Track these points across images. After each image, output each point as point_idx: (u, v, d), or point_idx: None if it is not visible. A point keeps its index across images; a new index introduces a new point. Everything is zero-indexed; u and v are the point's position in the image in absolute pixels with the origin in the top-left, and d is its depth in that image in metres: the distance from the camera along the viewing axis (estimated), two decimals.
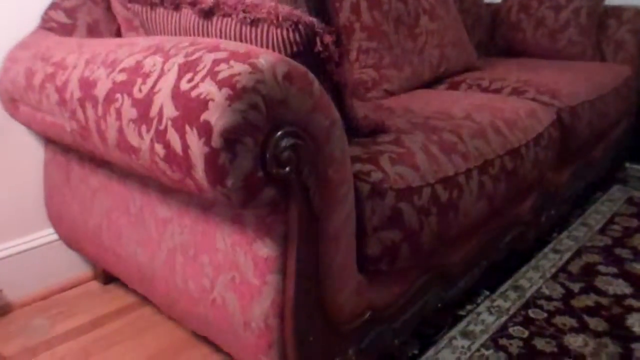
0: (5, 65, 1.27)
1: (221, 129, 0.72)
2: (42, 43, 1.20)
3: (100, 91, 0.91)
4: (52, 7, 1.36)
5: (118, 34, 1.32)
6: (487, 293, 1.47)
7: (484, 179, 1.17)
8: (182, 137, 0.76)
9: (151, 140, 0.81)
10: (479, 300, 1.44)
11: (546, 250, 1.67)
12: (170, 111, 0.77)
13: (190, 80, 0.77)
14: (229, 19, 0.94)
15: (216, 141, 0.72)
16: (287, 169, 0.80)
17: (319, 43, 0.89)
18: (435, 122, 1.22)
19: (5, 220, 1.45)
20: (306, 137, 0.82)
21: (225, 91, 0.73)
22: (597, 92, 1.69)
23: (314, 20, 0.88)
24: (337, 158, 0.88)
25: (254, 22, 0.91)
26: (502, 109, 1.36)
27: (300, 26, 0.88)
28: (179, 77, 0.78)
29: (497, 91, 1.61)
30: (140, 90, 0.83)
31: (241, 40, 0.94)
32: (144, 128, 0.82)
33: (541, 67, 1.89)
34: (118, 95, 0.87)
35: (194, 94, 0.75)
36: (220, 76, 0.74)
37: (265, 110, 0.75)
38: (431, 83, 1.72)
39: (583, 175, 1.77)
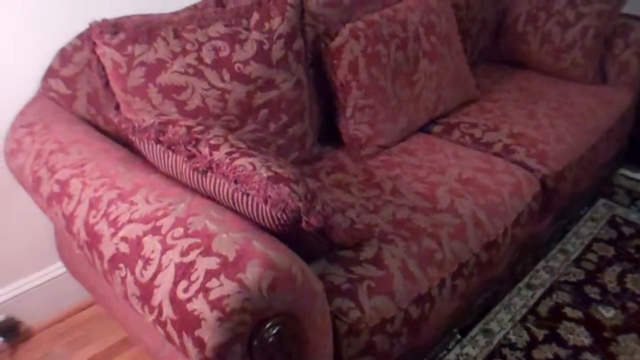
0: (10, 145, 1.34)
1: (213, 346, 0.85)
2: (45, 137, 1.27)
3: (106, 250, 1.02)
4: (51, 74, 1.40)
5: (118, 107, 1.37)
6: (459, 337, 1.65)
7: (457, 283, 1.30)
8: (180, 337, 0.89)
9: (153, 320, 0.94)
10: (450, 346, 1.62)
11: (521, 285, 1.82)
12: (169, 312, 0.89)
13: (185, 290, 0.88)
14: (223, 181, 1.02)
15: (209, 353, 0.86)
16: (271, 350, 0.94)
17: (304, 224, 0.98)
18: (419, 220, 1.32)
19: (21, 259, 1.61)
20: (289, 320, 0.95)
21: (216, 314, 0.85)
22: (588, 142, 1.75)
23: (300, 205, 0.97)
24: (318, 324, 1.02)
25: (246, 194, 1.00)
26: (486, 190, 1.45)
27: (287, 211, 0.96)
28: (176, 282, 0.89)
29: (489, 146, 1.67)
30: (142, 274, 0.95)
31: (233, 204, 1.03)
32: (146, 308, 0.95)
33: (539, 98, 1.92)
34: (122, 265, 0.98)
35: (189, 307, 0.87)
36: (212, 296, 0.86)
37: (251, 321, 0.88)
38: (427, 124, 1.77)
39: (566, 215, 1.88)
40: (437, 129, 1.78)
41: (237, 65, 1.35)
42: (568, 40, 2.03)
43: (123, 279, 0.98)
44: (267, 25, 1.39)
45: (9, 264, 1.59)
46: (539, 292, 1.80)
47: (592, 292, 1.80)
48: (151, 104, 1.31)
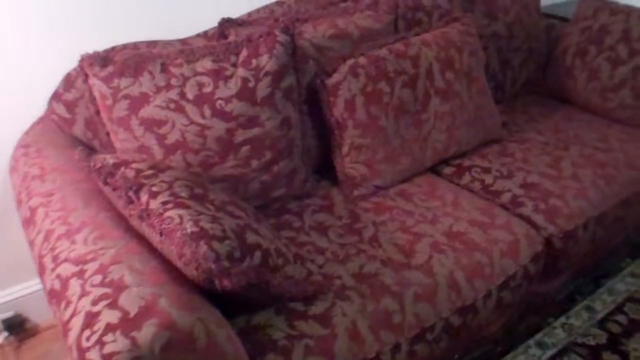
0: (12, 162, 1.47)
1: None
2: (34, 160, 1.38)
3: (47, 283, 1.09)
4: (55, 97, 1.51)
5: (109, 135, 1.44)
6: None
7: (417, 348, 1.26)
8: None
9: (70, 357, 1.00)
10: None
11: (531, 342, 1.71)
12: (75, 355, 0.95)
13: (87, 339, 0.93)
14: (153, 230, 1.05)
15: None
16: None
17: (218, 285, 1.00)
18: (386, 276, 1.29)
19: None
20: None
21: None
22: (617, 197, 1.60)
23: (212, 267, 0.98)
24: None
25: (168, 246, 1.03)
26: (474, 247, 1.38)
27: (198, 271, 0.98)
28: (82, 330, 0.94)
29: (497, 195, 1.58)
30: (63, 314, 1.01)
31: (163, 253, 1.06)
32: (66, 345, 1.01)
33: (573, 142, 1.78)
34: (54, 301, 1.05)
35: (87, 356, 0.91)
36: (105, 350, 0.90)
37: None
38: (437, 164, 1.71)
39: (594, 270, 1.74)
40: (448, 170, 1.71)
41: (218, 102, 1.38)
42: (617, 79, 1.86)
43: (54, 313, 1.05)
44: (254, 62, 1.40)
45: (22, 264, 1.74)
46: (549, 353, 1.68)
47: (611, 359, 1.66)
48: (133, 136, 1.38)
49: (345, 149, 1.56)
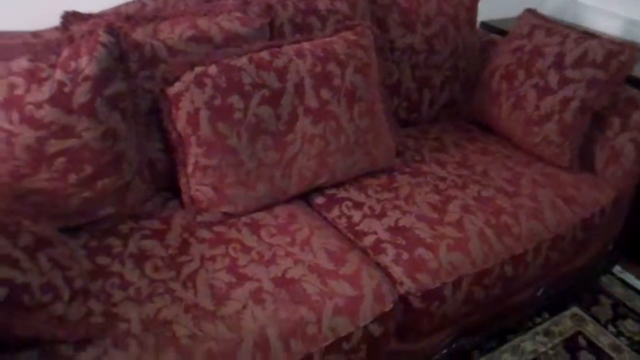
0: None
1: None
2: None
3: None
4: None
5: None
6: None
7: None
8: None
9: None
10: None
11: None
12: None
13: None
14: None
15: None
16: None
17: None
18: (182, 326, 1.17)
19: None
20: None
21: None
22: (507, 253, 1.45)
23: None
24: None
25: None
26: (302, 300, 1.25)
27: None
28: None
29: (360, 236, 1.44)
30: None
31: None
32: None
33: (475, 181, 1.62)
34: None
35: None
36: None
37: None
38: (306, 193, 1.56)
39: (483, 329, 1.57)
40: (319, 200, 1.57)
41: (28, 107, 1.28)
42: (543, 110, 1.68)
43: None
44: (73, 64, 1.30)
45: None
46: None
47: None
48: None
49: (189, 169, 1.44)
